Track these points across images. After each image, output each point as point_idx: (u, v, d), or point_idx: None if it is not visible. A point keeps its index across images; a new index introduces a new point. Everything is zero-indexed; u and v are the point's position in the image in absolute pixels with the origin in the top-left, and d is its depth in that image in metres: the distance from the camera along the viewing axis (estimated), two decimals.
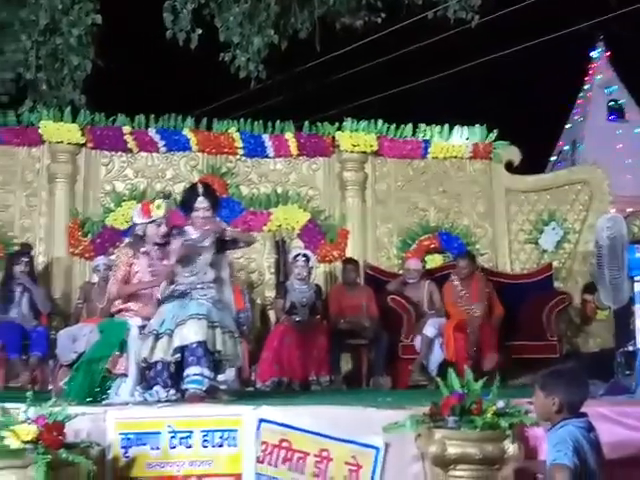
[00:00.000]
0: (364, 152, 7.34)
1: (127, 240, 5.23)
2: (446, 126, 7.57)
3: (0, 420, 2.97)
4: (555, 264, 7.25)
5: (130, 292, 4.43)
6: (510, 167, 7.69)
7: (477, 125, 7.63)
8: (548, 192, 7.64)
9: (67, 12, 7.62)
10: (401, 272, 6.85)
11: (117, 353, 4.31)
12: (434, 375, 5.65)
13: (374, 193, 7.45)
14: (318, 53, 8.84)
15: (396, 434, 3.34)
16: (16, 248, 6.59)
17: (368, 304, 6.33)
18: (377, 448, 3.35)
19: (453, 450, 3.14)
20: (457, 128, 7.58)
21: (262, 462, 3.40)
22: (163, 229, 4.42)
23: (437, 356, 5.99)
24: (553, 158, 17.46)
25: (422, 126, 7.55)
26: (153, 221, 4.44)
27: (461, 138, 7.57)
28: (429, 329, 6.04)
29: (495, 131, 7.63)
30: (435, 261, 7.32)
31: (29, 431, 2.88)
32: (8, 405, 3.12)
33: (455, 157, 7.57)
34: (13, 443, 2.86)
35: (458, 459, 3.15)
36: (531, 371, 5.28)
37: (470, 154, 7.57)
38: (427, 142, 7.51)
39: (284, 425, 3.44)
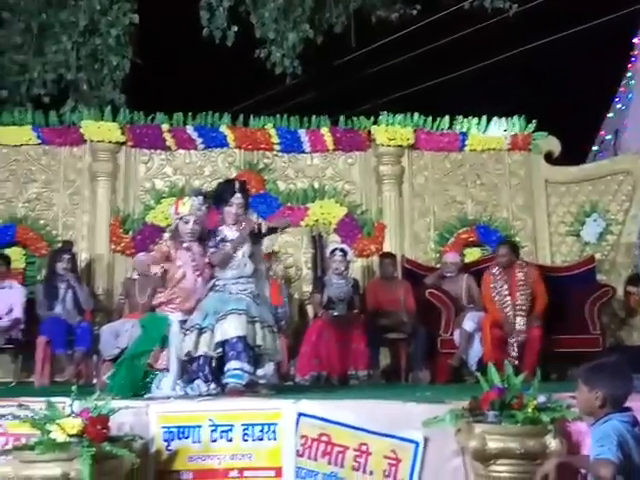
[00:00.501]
0: (400, 146, 7.31)
1: (167, 234, 5.32)
2: (484, 118, 7.47)
3: (46, 414, 3.03)
4: (598, 256, 7.09)
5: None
6: (550, 158, 7.56)
7: (515, 116, 7.52)
8: (590, 183, 7.49)
9: (105, 13, 7.75)
10: (439, 266, 6.79)
11: (158, 348, 4.36)
12: (473, 369, 5.61)
13: (411, 187, 7.41)
14: (353, 47, 8.81)
15: (436, 428, 3.32)
16: (59, 245, 6.74)
17: (406, 298, 6.30)
18: (416, 442, 3.34)
19: (494, 445, 3.11)
20: (495, 120, 7.48)
21: (302, 456, 3.42)
22: (190, 226, 4.43)
23: (476, 350, 5.90)
24: (595, 148, 17.08)
25: (459, 118, 7.47)
26: (181, 218, 4.47)
27: (499, 130, 7.48)
28: (468, 323, 5.97)
29: (534, 122, 7.50)
30: (473, 254, 7.26)
31: (74, 424, 2.94)
32: (54, 399, 3.19)
33: (493, 149, 7.48)
34: (59, 436, 2.91)
35: (499, 454, 3.12)
36: (574, 365, 5.22)
37: (508, 146, 7.46)
38: (464, 134, 7.43)
39: (323, 419, 3.45)
